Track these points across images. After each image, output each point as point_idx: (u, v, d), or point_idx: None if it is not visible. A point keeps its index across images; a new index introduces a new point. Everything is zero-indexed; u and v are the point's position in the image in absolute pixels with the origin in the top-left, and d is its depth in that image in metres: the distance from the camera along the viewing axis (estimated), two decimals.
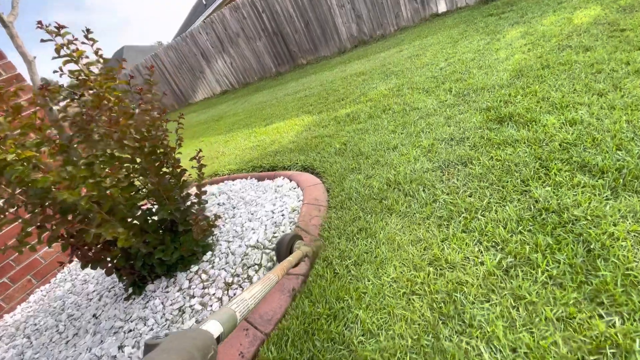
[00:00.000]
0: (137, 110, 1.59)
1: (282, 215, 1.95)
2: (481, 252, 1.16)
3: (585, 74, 1.98)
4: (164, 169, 1.72)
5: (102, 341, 1.52)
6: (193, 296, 1.57)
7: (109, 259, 1.59)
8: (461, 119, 2.11)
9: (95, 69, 1.44)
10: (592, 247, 1.01)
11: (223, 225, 2.12)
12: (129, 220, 1.56)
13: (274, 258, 1.62)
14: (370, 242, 1.43)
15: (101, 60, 1.48)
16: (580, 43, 2.44)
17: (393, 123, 2.49)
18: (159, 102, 1.82)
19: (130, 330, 1.52)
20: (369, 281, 1.23)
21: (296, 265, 1.33)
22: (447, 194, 1.53)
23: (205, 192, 1.96)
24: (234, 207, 2.30)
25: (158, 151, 1.66)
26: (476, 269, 1.10)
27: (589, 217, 1.10)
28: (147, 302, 1.67)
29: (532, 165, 1.46)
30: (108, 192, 1.36)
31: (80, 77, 1.42)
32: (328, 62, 6.91)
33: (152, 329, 1.47)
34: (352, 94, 3.70)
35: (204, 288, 1.61)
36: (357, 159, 2.20)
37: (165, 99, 11.65)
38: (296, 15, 7.45)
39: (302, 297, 1.29)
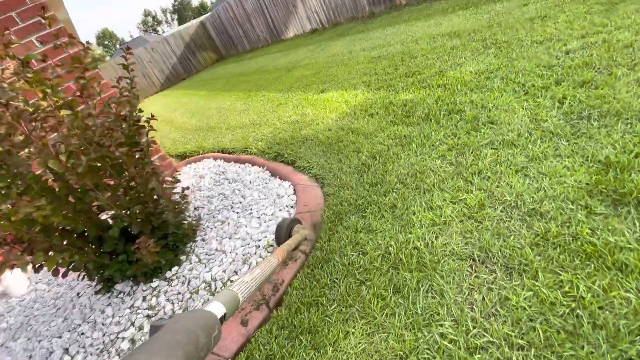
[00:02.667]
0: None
1: (257, 246, 1.60)
2: None
3: None
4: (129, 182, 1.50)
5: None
6: (133, 324, 1.45)
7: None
8: (556, 171, 1.28)
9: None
10: None
11: (211, 229, 1.91)
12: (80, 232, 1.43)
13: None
14: None
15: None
16: None
17: (449, 140, 1.73)
18: (129, 96, 1.53)
19: (82, 333, 1.51)
20: None
21: (295, 248, 1.36)
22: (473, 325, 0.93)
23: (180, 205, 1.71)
24: (231, 208, 2.04)
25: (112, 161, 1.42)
26: None
27: None
28: (109, 303, 1.63)
29: None
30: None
31: None
32: (429, 6, 5.49)
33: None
34: (427, 69, 2.78)
35: (147, 316, 1.47)
36: (372, 190, 1.62)
37: (259, 32, 11.53)
38: None
39: None
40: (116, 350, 1.35)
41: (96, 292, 1.73)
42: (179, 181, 1.92)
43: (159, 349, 0.49)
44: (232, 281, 1.47)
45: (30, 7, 2.27)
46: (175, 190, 1.84)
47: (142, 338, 1.36)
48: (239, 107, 4.55)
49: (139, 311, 1.49)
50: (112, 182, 1.40)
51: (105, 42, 71.42)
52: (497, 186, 1.33)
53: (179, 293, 1.51)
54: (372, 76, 3.25)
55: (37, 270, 1.32)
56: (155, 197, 1.51)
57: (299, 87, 4.17)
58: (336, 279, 1.25)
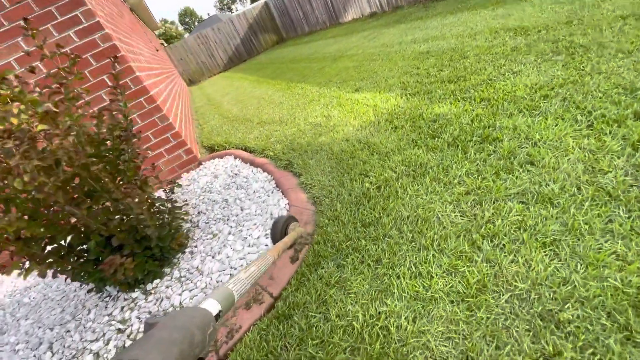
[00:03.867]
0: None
1: (230, 274, 1.50)
2: None
3: None
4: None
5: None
6: (104, 335, 1.47)
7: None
8: (598, 257, 0.92)
9: None
10: None
11: (202, 241, 1.86)
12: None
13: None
14: None
15: None
16: None
17: (471, 180, 1.39)
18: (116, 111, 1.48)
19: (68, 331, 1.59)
20: None
21: (291, 246, 1.37)
22: None
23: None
24: (227, 219, 1.97)
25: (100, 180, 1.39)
26: None
27: None
28: (96, 304, 1.69)
29: None
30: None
31: None
32: None
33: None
34: (475, 75, 2.33)
35: (117, 330, 1.47)
36: (363, 231, 1.38)
37: (318, 15, 11.20)
38: None
39: None
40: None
41: (88, 291, 1.81)
42: (172, 193, 1.89)
43: (154, 346, 0.48)
44: None
45: (67, 1, 2.37)
46: (176, 198, 1.81)
47: (107, 355, 1.37)
48: (277, 99, 4.45)
49: (112, 323, 1.51)
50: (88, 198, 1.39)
51: (186, 20, 76.82)
52: (511, 262, 1.01)
53: (150, 312, 1.49)
54: (412, 76, 2.86)
55: (24, 275, 1.37)
56: (132, 215, 1.47)
57: (337, 81, 3.90)
58: (287, 344, 1.08)
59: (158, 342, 0.49)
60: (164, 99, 3.43)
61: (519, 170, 1.33)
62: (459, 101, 2.07)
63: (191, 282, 1.57)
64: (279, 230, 1.30)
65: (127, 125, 1.59)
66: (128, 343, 1.40)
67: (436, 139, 1.79)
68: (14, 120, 1.16)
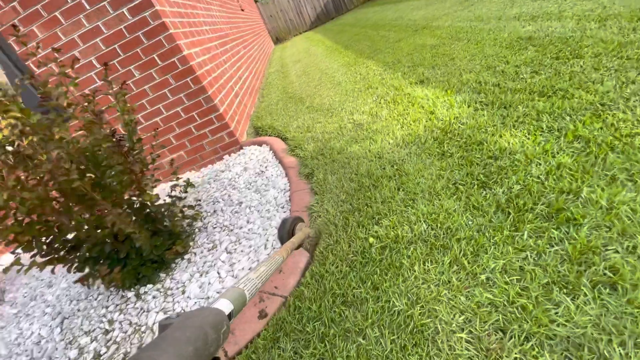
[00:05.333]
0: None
1: (201, 305, 1.39)
2: None
3: None
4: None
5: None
6: (91, 334, 1.56)
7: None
8: None
9: None
10: None
11: (201, 251, 1.81)
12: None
13: None
14: None
15: None
16: None
17: (502, 288, 0.95)
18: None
19: (67, 318, 1.75)
20: None
21: (299, 247, 1.35)
22: None
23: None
24: (230, 230, 1.86)
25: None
26: None
27: None
28: (102, 292, 1.81)
29: None
30: None
31: None
32: None
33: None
34: (584, 90, 1.60)
35: (104, 332, 1.54)
36: (340, 313, 1.09)
37: None
38: None
39: None
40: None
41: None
42: (185, 192, 1.85)
43: (169, 345, 0.49)
44: None
45: None
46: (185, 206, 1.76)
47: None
48: (338, 77, 4.05)
49: (103, 321, 1.59)
50: (76, 208, 1.40)
51: None
52: None
53: (130, 323, 1.51)
54: (494, 75, 2.18)
55: (25, 271, 1.50)
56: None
57: (406, 64, 3.30)
58: None
59: (173, 341, 0.50)
60: (219, 75, 3.38)
61: (586, 294, 0.84)
62: (540, 133, 1.47)
63: (172, 300, 1.53)
64: (286, 231, 1.30)
65: (128, 134, 1.52)
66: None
67: (485, 190, 1.30)
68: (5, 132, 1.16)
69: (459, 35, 3.42)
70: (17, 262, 1.38)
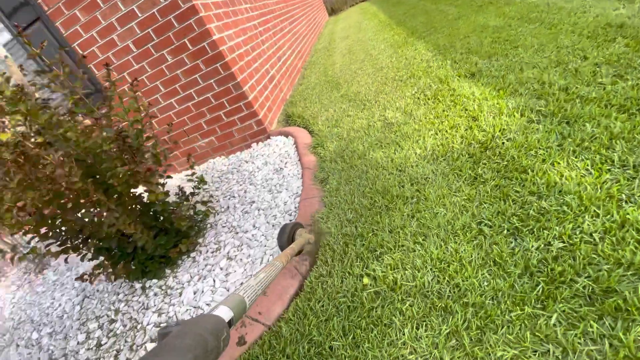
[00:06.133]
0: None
1: (192, 314, 1.38)
2: None
3: None
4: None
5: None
6: (98, 320, 1.65)
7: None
8: None
9: None
10: None
11: (207, 251, 1.80)
12: None
13: None
14: None
15: None
16: None
17: None
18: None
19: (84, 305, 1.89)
20: None
21: (299, 253, 1.34)
22: None
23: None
24: (236, 233, 1.82)
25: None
26: None
27: None
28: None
29: None
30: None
31: None
32: None
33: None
34: None
35: (99, 327, 1.63)
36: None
37: None
38: None
39: None
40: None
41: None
42: (198, 189, 1.83)
43: (168, 352, 0.50)
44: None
45: None
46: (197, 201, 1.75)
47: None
48: (381, 61, 3.69)
49: (111, 309, 1.67)
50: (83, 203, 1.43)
51: None
52: None
53: (130, 318, 1.57)
54: (562, 75, 1.74)
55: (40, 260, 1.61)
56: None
57: (460, 50, 2.85)
58: None
59: (173, 349, 0.50)
60: (253, 58, 3.26)
61: None
62: (608, 169, 1.12)
63: (169, 300, 1.55)
64: (286, 237, 1.29)
65: (135, 134, 1.50)
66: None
67: (516, 241, 1.04)
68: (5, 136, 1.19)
69: (530, 15, 2.84)
70: (33, 250, 1.48)
